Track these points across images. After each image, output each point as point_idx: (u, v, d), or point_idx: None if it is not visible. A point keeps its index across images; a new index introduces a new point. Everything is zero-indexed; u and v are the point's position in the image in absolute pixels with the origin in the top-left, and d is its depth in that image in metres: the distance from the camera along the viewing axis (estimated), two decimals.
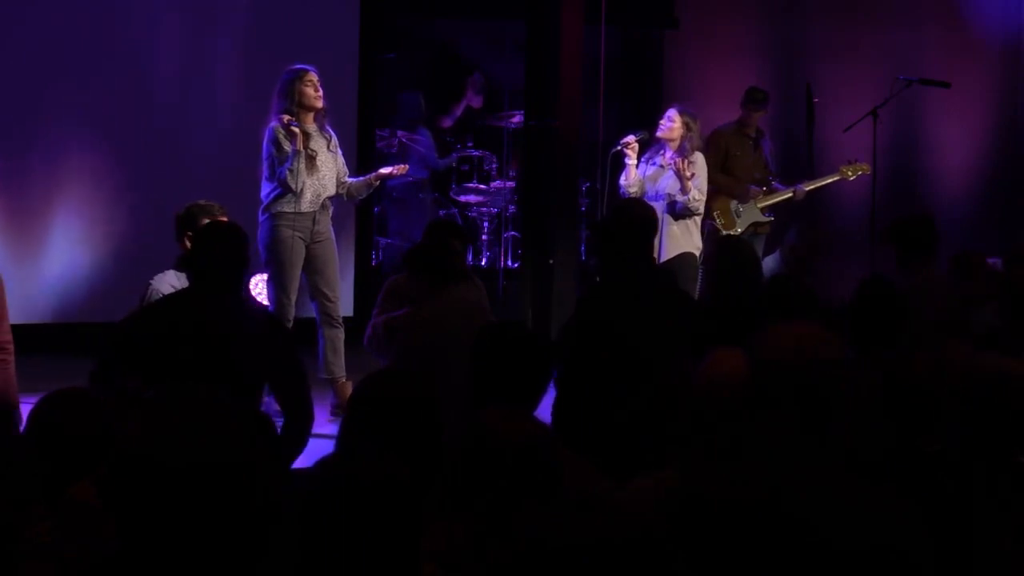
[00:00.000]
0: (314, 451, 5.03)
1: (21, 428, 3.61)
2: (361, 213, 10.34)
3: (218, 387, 4.39)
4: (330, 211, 7.86)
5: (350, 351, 7.98)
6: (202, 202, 6.68)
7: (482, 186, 11.57)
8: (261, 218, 7.78)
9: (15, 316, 6.04)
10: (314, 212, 7.73)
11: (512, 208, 11.52)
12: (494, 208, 11.53)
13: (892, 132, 11.43)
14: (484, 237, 11.60)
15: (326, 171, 7.77)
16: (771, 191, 9.63)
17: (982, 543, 3.48)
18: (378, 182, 8.07)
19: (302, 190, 7.65)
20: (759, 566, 2.97)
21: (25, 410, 3.63)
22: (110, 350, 5.15)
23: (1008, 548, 3.47)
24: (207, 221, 6.60)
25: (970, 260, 7.11)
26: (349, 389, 7.79)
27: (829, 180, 9.83)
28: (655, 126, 8.75)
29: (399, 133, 11.64)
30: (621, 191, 8.64)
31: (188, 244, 6.30)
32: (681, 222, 8.55)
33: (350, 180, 7.93)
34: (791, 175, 9.93)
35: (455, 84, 12.50)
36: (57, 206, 9.44)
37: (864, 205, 10.39)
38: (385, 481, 2.65)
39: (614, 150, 8.72)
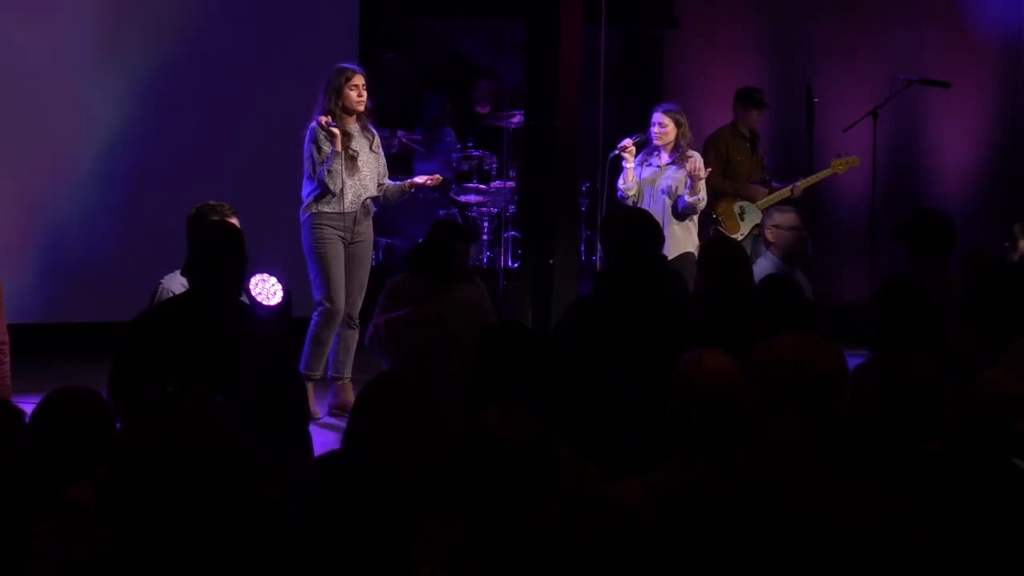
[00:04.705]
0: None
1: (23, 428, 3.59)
2: None
3: (214, 389, 4.39)
4: (371, 212, 7.85)
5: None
6: (212, 202, 6.69)
7: (482, 186, 11.57)
8: (302, 218, 7.77)
9: (13, 316, 6.04)
10: (355, 212, 7.71)
11: (512, 208, 11.52)
12: (494, 208, 11.53)
13: (892, 132, 11.42)
14: (484, 237, 11.60)
15: (367, 171, 7.76)
16: (771, 190, 9.65)
17: (982, 543, 3.48)
18: (412, 189, 8.04)
19: (343, 190, 7.65)
20: (758, 567, 2.97)
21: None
22: (121, 353, 5.11)
23: (1009, 548, 3.47)
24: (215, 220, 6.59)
25: (980, 261, 7.07)
26: (350, 391, 7.79)
27: (823, 175, 9.84)
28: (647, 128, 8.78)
29: (399, 133, 11.62)
30: (619, 194, 8.67)
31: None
32: (682, 222, 8.58)
33: (388, 183, 7.91)
34: (791, 175, 9.93)
35: (463, 86, 12.48)
36: (57, 203, 9.44)
37: (864, 205, 10.39)
38: (380, 481, 2.65)
39: (612, 154, 8.75)
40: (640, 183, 8.65)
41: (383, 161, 7.90)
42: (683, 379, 3.47)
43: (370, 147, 7.80)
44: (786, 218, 7.91)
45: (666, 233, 8.47)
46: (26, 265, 9.31)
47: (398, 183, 7.93)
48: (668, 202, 8.57)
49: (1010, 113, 12.75)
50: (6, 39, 9.25)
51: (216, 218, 6.65)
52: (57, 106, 9.40)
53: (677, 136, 8.63)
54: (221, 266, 5.14)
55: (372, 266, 10.89)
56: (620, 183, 8.66)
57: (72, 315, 9.39)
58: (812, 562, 2.80)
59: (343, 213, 7.68)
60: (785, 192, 9.60)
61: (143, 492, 2.50)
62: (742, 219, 9.47)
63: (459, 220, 11.07)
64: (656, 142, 8.68)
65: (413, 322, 6.09)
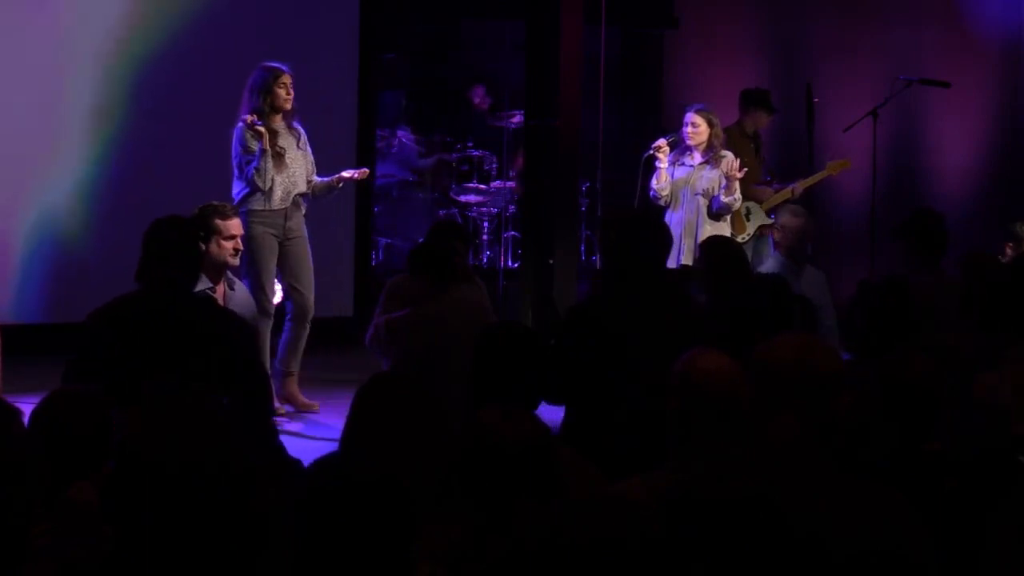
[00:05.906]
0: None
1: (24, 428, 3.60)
2: (361, 213, 10.34)
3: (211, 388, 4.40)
4: (303, 209, 7.89)
5: (351, 350, 7.97)
6: (215, 203, 6.80)
7: (482, 186, 11.58)
8: None
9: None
10: (286, 209, 7.77)
11: (512, 208, 11.52)
12: (494, 208, 11.54)
13: (892, 132, 11.42)
14: (484, 237, 11.61)
15: (296, 168, 7.81)
16: (775, 191, 9.65)
17: (983, 543, 3.48)
18: (340, 184, 8.06)
19: (272, 188, 7.71)
20: (758, 567, 2.97)
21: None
22: (78, 349, 5.16)
23: (1010, 548, 3.47)
24: (219, 222, 6.68)
25: (980, 261, 7.08)
26: (294, 384, 7.83)
27: (819, 176, 9.85)
28: (665, 130, 8.79)
29: (399, 133, 11.64)
30: (652, 194, 8.67)
31: (202, 245, 6.28)
32: (716, 223, 8.59)
33: (317, 179, 7.96)
34: (791, 175, 9.94)
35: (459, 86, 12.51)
36: (56, 203, 9.44)
37: (864, 205, 10.39)
38: (380, 481, 2.65)
39: (646, 154, 8.75)
40: (673, 184, 8.65)
41: (311, 158, 7.95)
42: (683, 379, 3.47)
43: (296, 144, 7.85)
44: (788, 218, 7.93)
45: (699, 234, 8.49)
46: (26, 265, 9.32)
47: (326, 179, 7.97)
48: (703, 203, 8.59)
49: (1010, 113, 12.75)
50: (6, 38, 9.25)
51: (219, 219, 6.73)
52: (57, 105, 9.39)
53: (710, 136, 8.64)
54: (173, 260, 5.17)
55: (372, 266, 10.95)
56: (654, 183, 8.67)
57: (72, 315, 9.36)
58: (812, 562, 2.80)
59: (273, 210, 7.74)
60: (786, 193, 9.60)
61: (144, 492, 2.50)
62: (748, 220, 9.48)
63: (459, 220, 11.09)
64: (689, 142, 8.68)
65: (413, 322, 6.10)
